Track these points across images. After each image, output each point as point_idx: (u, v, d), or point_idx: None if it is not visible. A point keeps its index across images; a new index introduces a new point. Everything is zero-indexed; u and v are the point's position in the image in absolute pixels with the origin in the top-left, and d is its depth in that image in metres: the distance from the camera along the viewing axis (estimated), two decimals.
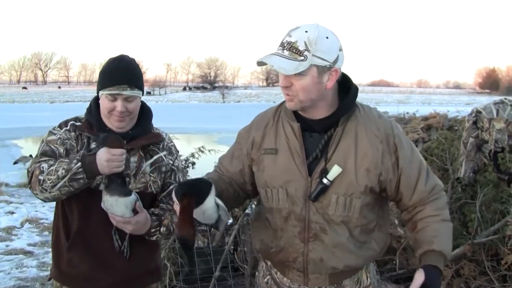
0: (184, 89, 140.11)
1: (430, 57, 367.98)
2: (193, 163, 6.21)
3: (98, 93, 2.93)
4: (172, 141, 3.20)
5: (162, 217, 2.98)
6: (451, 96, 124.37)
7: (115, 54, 2.99)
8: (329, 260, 2.52)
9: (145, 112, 3.05)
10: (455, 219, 5.29)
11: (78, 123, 2.94)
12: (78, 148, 2.88)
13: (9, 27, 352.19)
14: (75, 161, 2.68)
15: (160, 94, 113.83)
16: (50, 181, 2.69)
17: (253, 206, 5.97)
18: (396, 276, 5.22)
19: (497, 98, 6.02)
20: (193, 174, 6.23)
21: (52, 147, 2.87)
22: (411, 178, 2.54)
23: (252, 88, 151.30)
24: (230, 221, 6.25)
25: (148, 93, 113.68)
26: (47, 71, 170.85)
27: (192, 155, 6.22)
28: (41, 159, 2.82)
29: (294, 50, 2.35)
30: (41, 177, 2.71)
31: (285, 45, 2.38)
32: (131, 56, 2.97)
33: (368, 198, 2.51)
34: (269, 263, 2.78)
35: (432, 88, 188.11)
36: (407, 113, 7.89)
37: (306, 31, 2.37)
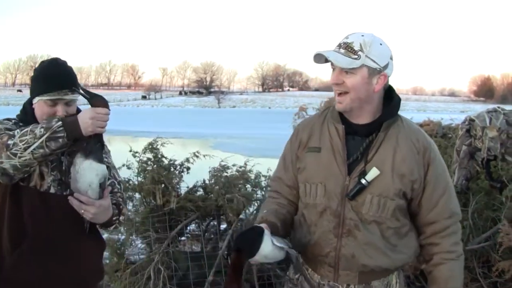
0: (180, 93, 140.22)
1: (426, 64, 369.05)
2: (188, 168, 6.21)
3: (32, 97, 2.89)
4: None
5: (120, 206, 3.02)
6: (446, 104, 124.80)
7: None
8: (360, 257, 2.62)
9: None
10: None
11: (20, 123, 2.86)
12: None
13: (5, 29, 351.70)
14: (55, 120, 2.64)
15: (155, 99, 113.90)
16: (23, 143, 2.58)
17: (247, 211, 6.01)
18: None
19: (490, 106, 6.05)
20: (188, 179, 6.24)
21: (11, 127, 2.79)
22: (434, 194, 2.67)
23: (248, 94, 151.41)
24: (224, 226, 6.28)
25: (144, 97, 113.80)
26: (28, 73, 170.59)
27: (187, 160, 6.21)
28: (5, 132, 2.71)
29: (349, 49, 2.55)
30: (10, 142, 2.59)
31: (342, 44, 2.59)
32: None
33: (401, 202, 2.63)
34: (301, 259, 2.86)
35: (428, 95, 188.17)
36: None
37: (363, 35, 2.59)
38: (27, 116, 2.89)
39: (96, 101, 2.67)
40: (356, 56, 2.54)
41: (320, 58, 2.62)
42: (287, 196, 2.90)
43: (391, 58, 2.66)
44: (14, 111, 3.05)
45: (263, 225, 2.59)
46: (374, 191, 2.59)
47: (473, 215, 4.87)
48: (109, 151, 3.17)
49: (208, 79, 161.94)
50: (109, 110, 2.70)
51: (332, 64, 2.62)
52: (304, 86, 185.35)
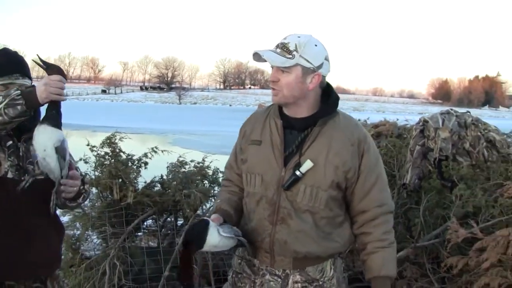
0: (141, 89, 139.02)
1: (386, 66, 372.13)
2: (146, 163, 6.21)
3: None
4: None
5: (82, 176, 3.09)
6: (405, 105, 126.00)
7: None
8: (293, 244, 2.78)
9: None
10: (400, 223, 5.42)
11: None
12: None
13: None
14: (14, 89, 2.68)
15: (116, 93, 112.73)
16: None
17: (204, 207, 6.04)
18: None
19: (445, 108, 6.18)
20: (145, 174, 6.25)
21: None
22: (366, 183, 2.83)
23: (209, 91, 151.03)
24: (181, 221, 6.31)
25: (104, 91, 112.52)
26: None
27: (145, 155, 6.22)
28: None
29: (285, 49, 2.71)
30: None
31: (279, 45, 2.75)
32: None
33: (334, 192, 2.78)
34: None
35: (387, 96, 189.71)
36: (359, 120, 7.98)
37: (299, 37, 2.75)
38: None
39: (51, 69, 2.70)
40: (290, 56, 2.70)
41: (259, 57, 2.77)
42: (238, 184, 3.07)
43: (327, 59, 2.81)
44: None
45: (213, 216, 2.78)
46: (307, 182, 2.74)
47: (424, 212, 4.96)
48: None
49: (170, 74, 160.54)
50: (64, 78, 2.72)
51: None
52: (265, 84, 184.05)
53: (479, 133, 5.54)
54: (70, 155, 3.03)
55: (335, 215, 2.84)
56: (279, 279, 2.87)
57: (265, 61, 2.74)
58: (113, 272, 5.35)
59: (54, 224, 3.09)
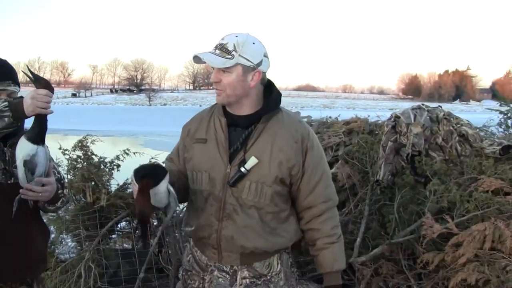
0: (111, 91, 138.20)
1: (355, 62, 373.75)
2: (118, 166, 6.19)
3: None
4: None
5: (62, 181, 3.17)
6: (375, 102, 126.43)
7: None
8: (239, 239, 2.82)
9: None
10: (374, 220, 5.44)
11: None
12: None
13: None
14: (1, 100, 2.74)
15: (86, 96, 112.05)
16: None
17: (177, 208, 6.02)
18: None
19: (416, 104, 6.21)
20: (118, 176, 6.23)
21: None
22: (311, 179, 2.90)
23: (178, 92, 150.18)
24: (155, 223, 6.28)
25: (74, 95, 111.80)
26: None
27: (117, 157, 6.20)
28: None
29: (224, 50, 2.77)
30: None
31: (218, 46, 2.81)
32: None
33: (279, 188, 2.84)
34: (191, 242, 3.09)
35: (357, 93, 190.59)
36: (330, 117, 8.00)
37: (236, 36, 2.81)
38: None
39: (38, 83, 2.74)
40: (230, 56, 2.76)
41: (199, 60, 2.83)
42: (176, 174, 3.03)
43: (265, 56, 2.87)
44: None
45: None
46: (252, 178, 2.80)
47: (398, 209, 4.98)
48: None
49: (139, 76, 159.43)
50: (51, 92, 2.76)
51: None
52: None
53: (451, 128, 5.56)
54: (52, 160, 3.15)
55: (280, 210, 2.89)
56: (227, 275, 2.92)
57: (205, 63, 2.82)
58: (88, 274, 5.34)
59: (40, 227, 3.16)
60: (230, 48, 2.77)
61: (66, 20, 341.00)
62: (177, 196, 2.78)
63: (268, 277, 2.92)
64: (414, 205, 5.11)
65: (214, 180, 2.86)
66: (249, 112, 2.88)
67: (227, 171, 2.83)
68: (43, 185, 2.85)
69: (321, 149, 3.02)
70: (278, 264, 2.95)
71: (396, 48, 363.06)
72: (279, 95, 2.97)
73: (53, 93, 2.78)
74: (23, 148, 2.75)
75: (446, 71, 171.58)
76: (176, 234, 5.83)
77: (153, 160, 6.17)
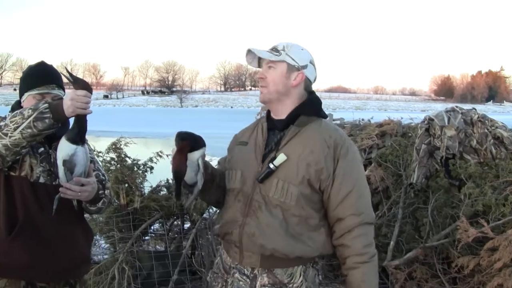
0: (142, 93, 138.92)
1: (387, 64, 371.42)
2: (151, 168, 6.23)
3: (21, 96, 3.13)
4: None
5: (103, 182, 3.23)
6: (407, 103, 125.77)
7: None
8: (259, 237, 2.80)
9: None
10: (408, 223, 5.41)
11: None
12: None
13: None
14: (42, 102, 2.78)
15: (117, 98, 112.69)
16: (13, 123, 2.74)
17: (210, 210, 6.04)
18: None
19: (450, 106, 6.15)
20: (151, 179, 6.26)
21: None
22: (342, 188, 2.83)
23: (210, 93, 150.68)
24: (188, 225, 6.30)
25: (106, 96, 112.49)
26: (2, 73, 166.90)
27: (150, 159, 6.24)
28: None
29: (273, 49, 2.95)
30: (1, 123, 2.78)
31: (271, 48, 2.98)
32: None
33: (306, 190, 2.82)
34: (222, 244, 3.13)
35: (389, 94, 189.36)
36: (362, 119, 7.99)
37: (287, 42, 2.98)
38: None
39: (76, 84, 2.79)
40: (277, 53, 2.93)
41: (251, 59, 3.06)
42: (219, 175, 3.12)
43: (312, 63, 3.00)
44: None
45: None
46: (280, 176, 2.82)
47: (432, 212, 4.95)
48: (91, 149, 3.42)
49: (170, 78, 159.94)
50: (90, 92, 2.82)
51: (259, 65, 3.05)
52: None
53: (486, 130, 5.51)
54: (93, 160, 3.25)
55: (308, 215, 2.84)
56: (247, 279, 2.89)
57: (258, 65, 3.04)
58: (122, 276, 5.38)
59: (83, 229, 3.23)
60: (280, 48, 2.93)
61: (98, 22, 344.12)
62: (211, 188, 2.99)
63: (289, 287, 2.85)
64: (448, 209, 5.06)
65: (245, 178, 2.92)
66: (287, 114, 2.95)
67: (258, 170, 2.87)
68: (82, 185, 2.90)
69: (358, 160, 2.98)
70: (301, 276, 2.86)
71: (428, 49, 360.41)
72: (319, 103, 3.04)
73: (91, 94, 2.83)
74: (63, 148, 2.83)
75: (479, 72, 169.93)
76: (209, 236, 5.84)
77: None
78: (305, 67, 2.94)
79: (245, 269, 2.89)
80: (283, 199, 2.80)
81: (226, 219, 2.95)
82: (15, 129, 2.73)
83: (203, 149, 2.84)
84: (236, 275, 2.92)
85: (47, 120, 2.72)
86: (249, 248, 2.84)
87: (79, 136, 2.86)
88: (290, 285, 2.84)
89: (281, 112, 2.96)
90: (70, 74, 2.84)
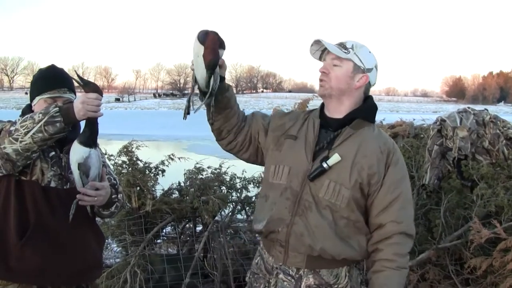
0: (154, 96, 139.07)
1: (398, 65, 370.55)
2: (163, 171, 6.24)
3: (32, 100, 3.13)
4: None
5: (116, 186, 3.24)
6: (419, 104, 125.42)
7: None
8: (308, 238, 2.76)
9: None
10: (420, 224, 5.37)
11: None
12: None
13: None
14: (52, 106, 2.79)
15: (129, 101, 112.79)
16: (24, 128, 2.74)
17: (222, 213, 6.04)
18: None
19: (462, 106, 6.13)
20: (163, 182, 6.26)
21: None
22: (388, 196, 2.81)
23: None
24: (200, 228, 6.30)
25: (117, 99, 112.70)
26: (13, 76, 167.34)
27: (162, 162, 6.25)
28: (9, 121, 2.92)
29: (342, 46, 2.89)
30: (12, 128, 2.77)
31: (337, 43, 2.92)
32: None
33: (357, 194, 2.79)
34: (261, 244, 3.06)
35: (400, 96, 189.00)
36: None
37: (357, 42, 2.93)
38: None
39: (88, 87, 2.81)
40: (346, 51, 2.85)
41: (315, 49, 2.98)
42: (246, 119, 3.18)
43: (376, 68, 2.95)
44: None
45: None
46: (332, 177, 2.77)
47: (445, 213, 4.93)
48: (103, 153, 3.43)
49: (182, 81, 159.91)
50: (101, 95, 2.83)
51: (320, 58, 2.99)
52: (278, 87, 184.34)
53: (498, 131, 5.48)
54: (104, 164, 3.25)
55: (356, 219, 2.81)
56: (292, 280, 2.85)
57: (320, 57, 2.99)
58: (134, 280, 5.38)
59: (95, 233, 3.24)
60: (348, 46, 2.88)
61: (110, 25, 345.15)
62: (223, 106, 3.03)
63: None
64: (461, 210, 5.04)
65: (293, 175, 2.85)
66: (343, 115, 2.91)
67: (308, 168, 2.82)
68: (96, 189, 2.92)
69: (405, 171, 2.95)
70: (346, 277, 2.86)
71: (440, 50, 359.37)
72: (375, 108, 3.01)
73: (102, 97, 2.85)
74: (76, 152, 2.84)
75: (490, 73, 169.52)
76: (221, 239, 5.84)
77: (198, 166, 6.22)
78: (370, 70, 2.90)
79: (290, 270, 2.86)
80: (333, 201, 2.77)
81: (272, 216, 2.87)
82: (25, 134, 2.74)
83: (223, 51, 2.82)
84: (281, 275, 2.88)
85: (58, 124, 2.73)
86: (295, 248, 2.80)
87: (91, 139, 2.88)
88: (335, 286, 2.83)
89: (337, 111, 2.92)
90: (80, 78, 2.86)
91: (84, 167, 2.85)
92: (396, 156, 2.87)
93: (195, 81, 2.91)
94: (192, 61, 2.85)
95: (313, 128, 2.92)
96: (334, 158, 2.76)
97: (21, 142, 2.75)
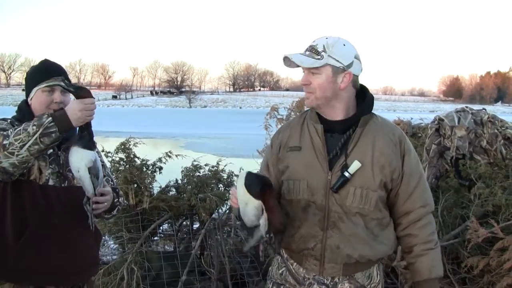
0: (151, 93, 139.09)
1: (396, 64, 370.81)
2: (160, 168, 6.22)
3: (28, 94, 3.08)
4: None
5: (116, 189, 3.27)
6: (416, 104, 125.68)
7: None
8: (345, 248, 2.74)
9: None
10: None
11: (16, 122, 2.98)
12: None
13: None
14: (45, 116, 2.74)
15: (126, 99, 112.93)
16: (18, 141, 2.69)
17: (220, 211, 6.03)
18: None
19: (459, 106, 6.14)
20: (160, 179, 6.25)
21: (5, 126, 2.90)
22: (410, 183, 2.83)
23: (219, 94, 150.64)
24: (197, 225, 6.30)
25: (114, 97, 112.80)
26: (10, 73, 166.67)
27: (159, 160, 6.23)
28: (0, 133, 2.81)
29: (313, 51, 2.75)
30: (5, 142, 2.70)
31: (308, 48, 2.79)
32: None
33: (382, 193, 2.79)
34: (285, 255, 2.96)
35: (397, 95, 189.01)
36: None
37: (327, 38, 2.79)
38: (24, 116, 3.02)
39: (83, 92, 2.81)
40: (319, 57, 2.73)
41: (289, 62, 2.80)
42: None
43: (357, 58, 2.82)
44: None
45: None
46: (356, 184, 2.72)
47: (442, 212, 4.94)
48: (99, 151, 3.41)
49: (179, 79, 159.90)
50: (93, 98, 2.83)
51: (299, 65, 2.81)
52: (275, 86, 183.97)
53: (496, 131, 5.49)
54: (105, 166, 3.28)
55: (383, 216, 2.83)
56: None
57: (297, 66, 2.78)
58: (131, 277, 5.36)
59: (93, 231, 3.19)
60: (320, 49, 2.74)
61: (107, 22, 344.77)
62: None
63: None
64: (458, 209, 5.06)
65: (313, 189, 2.77)
66: (343, 116, 2.83)
67: (328, 178, 2.74)
68: (102, 194, 2.94)
69: (415, 152, 2.96)
70: (377, 274, 2.89)
71: (437, 50, 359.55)
72: (372, 98, 2.93)
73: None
74: (84, 157, 2.82)
75: (488, 73, 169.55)
76: (218, 237, 5.84)
77: (195, 163, 6.22)
78: (350, 65, 2.77)
79: (325, 279, 2.82)
80: (362, 206, 2.74)
81: (301, 234, 2.80)
82: (21, 147, 2.70)
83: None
84: (314, 286, 2.84)
85: (53, 134, 2.72)
86: (332, 259, 2.78)
87: (92, 142, 2.88)
88: (369, 286, 2.86)
89: (335, 114, 2.83)
90: (70, 85, 2.86)
91: (94, 170, 2.84)
92: (406, 143, 2.86)
93: (239, 218, 2.70)
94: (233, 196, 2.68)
95: (317, 134, 2.83)
96: (355, 165, 2.71)
97: (17, 156, 2.71)
